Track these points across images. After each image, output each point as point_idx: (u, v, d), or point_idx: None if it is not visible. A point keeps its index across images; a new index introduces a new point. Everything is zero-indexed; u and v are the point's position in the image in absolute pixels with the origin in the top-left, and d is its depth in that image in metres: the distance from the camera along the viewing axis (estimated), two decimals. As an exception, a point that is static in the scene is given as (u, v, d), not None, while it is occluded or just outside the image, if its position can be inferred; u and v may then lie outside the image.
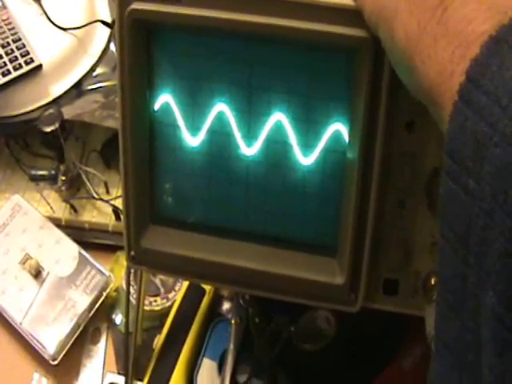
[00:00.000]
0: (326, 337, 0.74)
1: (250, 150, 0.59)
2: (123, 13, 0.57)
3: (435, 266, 0.60)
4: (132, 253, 0.64)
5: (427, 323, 0.56)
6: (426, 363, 0.50)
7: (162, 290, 0.91)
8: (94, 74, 1.12)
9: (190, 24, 0.56)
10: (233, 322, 0.78)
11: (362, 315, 0.62)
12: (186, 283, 0.88)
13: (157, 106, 0.60)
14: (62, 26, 1.11)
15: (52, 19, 1.11)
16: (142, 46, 0.58)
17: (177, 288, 0.90)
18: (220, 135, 0.60)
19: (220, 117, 0.59)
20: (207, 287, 0.86)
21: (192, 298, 0.86)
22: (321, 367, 0.76)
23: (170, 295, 0.90)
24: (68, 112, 1.06)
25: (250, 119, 0.59)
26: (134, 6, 0.56)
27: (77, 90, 1.09)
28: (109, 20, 1.11)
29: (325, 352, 0.74)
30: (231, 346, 0.76)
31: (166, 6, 0.56)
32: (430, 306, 0.58)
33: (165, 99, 0.60)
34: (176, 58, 0.59)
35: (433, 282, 0.60)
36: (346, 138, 0.57)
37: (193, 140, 0.60)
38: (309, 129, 0.58)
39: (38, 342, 0.88)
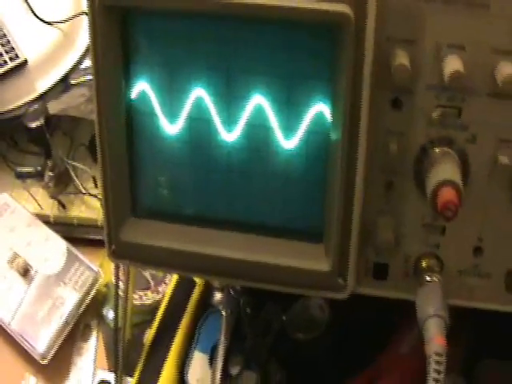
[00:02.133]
0: (320, 325, 0.74)
1: (230, 135, 0.58)
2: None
3: (426, 247, 0.59)
4: (113, 246, 0.63)
5: (418, 306, 0.55)
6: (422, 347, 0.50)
7: (152, 283, 0.90)
8: (81, 67, 1.11)
9: (164, 6, 0.55)
10: (223, 312, 0.77)
11: (354, 302, 0.61)
12: (175, 276, 0.87)
13: (133, 95, 0.59)
14: (47, 19, 1.11)
15: (37, 13, 1.11)
16: (116, 32, 0.57)
17: (167, 281, 0.90)
18: (199, 121, 0.59)
19: (198, 102, 0.58)
20: (198, 279, 0.85)
21: (182, 290, 0.85)
22: (314, 356, 0.75)
23: (161, 288, 0.90)
24: (54, 107, 1.06)
25: (230, 103, 0.58)
26: (106, -10, 0.55)
27: (63, 84, 1.09)
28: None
29: (318, 341, 0.73)
30: (222, 338, 0.75)
31: (139, -11, 0.54)
32: (421, 289, 0.57)
33: (141, 87, 0.59)
34: (151, 44, 0.58)
35: (424, 265, 0.59)
36: (329, 118, 0.56)
37: (171, 128, 0.59)
38: (290, 111, 0.57)
39: (27, 341, 0.87)
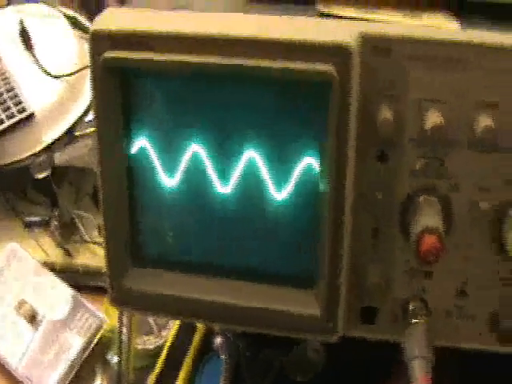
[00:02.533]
0: (316, 367, 0.75)
1: (225, 187, 0.61)
2: (97, 61, 0.58)
3: (412, 291, 0.61)
4: (114, 293, 0.65)
5: (405, 347, 0.57)
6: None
7: (155, 328, 0.92)
8: (86, 119, 1.13)
9: (162, 69, 0.58)
10: (223, 356, 0.79)
11: (349, 343, 0.63)
12: (177, 321, 0.89)
13: (133, 151, 0.62)
14: (53, 73, 1.14)
15: (44, 67, 1.14)
16: (117, 92, 0.60)
17: (170, 326, 0.92)
18: (196, 175, 0.61)
19: (195, 157, 0.60)
20: (198, 324, 0.87)
21: (184, 335, 0.86)
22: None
23: (164, 333, 0.91)
24: (60, 158, 1.08)
25: (224, 158, 0.60)
26: (108, 53, 0.58)
27: (69, 136, 1.11)
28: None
29: (315, 382, 0.75)
30: (222, 381, 0.77)
31: (139, 52, 0.57)
32: (407, 330, 0.59)
33: (141, 143, 0.61)
34: (150, 103, 0.61)
35: (410, 308, 0.61)
36: (318, 171, 0.58)
37: (170, 181, 0.62)
38: (281, 164, 0.59)
39: (34, 386, 0.89)
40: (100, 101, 0.60)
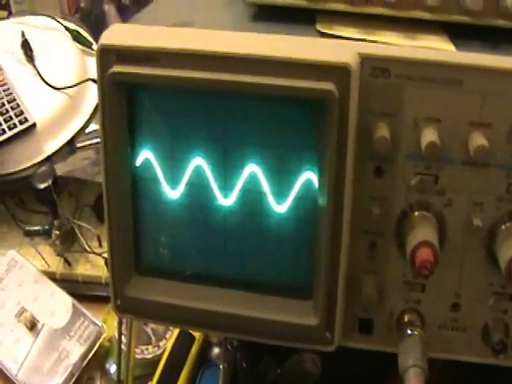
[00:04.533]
0: (312, 378, 0.77)
1: (226, 200, 0.62)
2: (104, 75, 0.60)
3: (408, 303, 0.63)
4: (118, 301, 0.66)
5: (400, 358, 0.58)
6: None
7: (154, 338, 0.93)
8: (87, 131, 1.15)
9: (167, 84, 0.60)
10: (221, 366, 0.80)
11: (344, 354, 0.65)
12: (176, 331, 0.91)
13: (138, 162, 0.63)
14: (55, 85, 1.16)
15: (45, 79, 1.15)
16: (123, 105, 0.61)
17: (168, 336, 0.93)
18: (198, 187, 0.63)
19: (198, 170, 0.62)
20: (197, 334, 0.88)
21: (182, 344, 0.88)
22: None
23: (161, 343, 0.93)
24: (61, 169, 1.09)
25: (226, 171, 0.62)
26: (115, 68, 0.59)
27: (69, 147, 1.13)
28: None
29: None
30: (219, 392, 0.78)
31: (145, 67, 0.59)
32: (402, 342, 0.60)
33: (145, 155, 0.63)
34: (155, 116, 0.63)
35: (406, 320, 0.62)
36: (317, 185, 0.60)
37: (173, 193, 0.63)
38: (281, 178, 0.61)
39: (33, 392, 0.90)
40: (106, 113, 0.61)
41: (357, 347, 0.65)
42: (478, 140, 0.56)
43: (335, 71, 0.55)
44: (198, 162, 0.62)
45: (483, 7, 0.61)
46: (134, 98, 0.62)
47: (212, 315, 0.64)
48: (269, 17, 0.67)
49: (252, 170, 0.61)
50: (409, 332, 0.61)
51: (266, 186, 0.61)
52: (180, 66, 0.58)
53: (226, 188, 0.62)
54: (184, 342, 0.89)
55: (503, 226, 0.59)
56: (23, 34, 1.24)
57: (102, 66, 0.60)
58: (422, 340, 0.60)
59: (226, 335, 0.78)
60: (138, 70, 0.59)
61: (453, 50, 0.62)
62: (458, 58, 0.57)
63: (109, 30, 0.62)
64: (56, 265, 1.06)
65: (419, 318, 0.63)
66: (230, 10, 0.72)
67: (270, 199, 0.61)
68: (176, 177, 0.63)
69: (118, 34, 0.61)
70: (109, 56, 0.60)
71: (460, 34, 0.64)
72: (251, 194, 0.62)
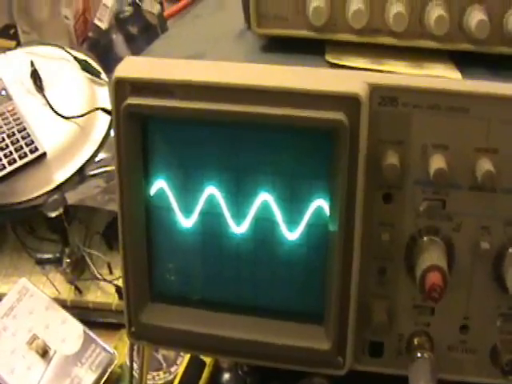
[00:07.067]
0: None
1: (239, 228, 0.63)
2: (119, 106, 0.61)
3: (417, 327, 0.64)
4: (133, 328, 0.67)
5: (410, 381, 0.59)
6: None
7: (164, 364, 0.93)
8: (96, 159, 1.16)
9: (181, 115, 0.61)
10: (232, 392, 0.81)
11: (354, 377, 0.65)
12: (187, 357, 0.91)
13: (152, 192, 0.64)
14: (64, 114, 1.17)
15: (55, 109, 1.17)
16: (137, 136, 0.63)
17: (178, 362, 0.94)
18: (211, 216, 0.64)
19: (211, 199, 0.63)
20: (207, 359, 0.89)
21: (193, 370, 0.88)
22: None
23: (172, 369, 0.93)
24: (71, 197, 1.10)
25: (239, 200, 0.63)
26: (130, 100, 0.60)
27: (80, 175, 1.14)
28: (109, 107, 1.15)
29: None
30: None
31: (159, 99, 0.60)
32: (412, 364, 0.61)
33: (159, 185, 0.64)
34: (169, 147, 0.64)
35: (415, 343, 0.63)
36: (328, 212, 0.61)
37: (186, 221, 0.64)
38: (293, 206, 0.62)
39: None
40: (121, 144, 0.62)
41: (367, 370, 0.65)
42: (485, 165, 0.57)
43: (345, 101, 0.57)
44: (211, 191, 0.63)
45: (488, 35, 0.62)
46: (147, 128, 0.63)
47: (226, 341, 0.64)
48: (279, 48, 0.69)
49: (264, 198, 0.62)
50: (418, 355, 0.62)
51: (278, 213, 0.62)
52: (194, 98, 0.59)
53: (238, 216, 0.63)
54: (195, 367, 0.89)
55: (510, 250, 0.60)
56: (32, 64, 1.25)
57: (117, 97, 0.61)
58: (432, 362, 0.61)
59: (240, 360, 0.78)
60: (153, 102, 0.60)
61: (459, 78, 0.63)
62: (465, 87, 0.58)
63: (123, 63, 0.63)
64: (67, 292, 1.07)
65: (428, 341, 0.63)
66: (240, 40, 0.74)
67: (282, 227, 0.63)
68: (189, 205, 0.64)
69: (132, 66, 0.63)
70: (123, 88, 0.61)
71: (466, 61, 0.65)
72: (263, 222, 0.63)
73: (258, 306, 0.66)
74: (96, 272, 1.06)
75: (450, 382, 0.64)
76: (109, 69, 1.23)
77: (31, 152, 1.13)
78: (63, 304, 1.04)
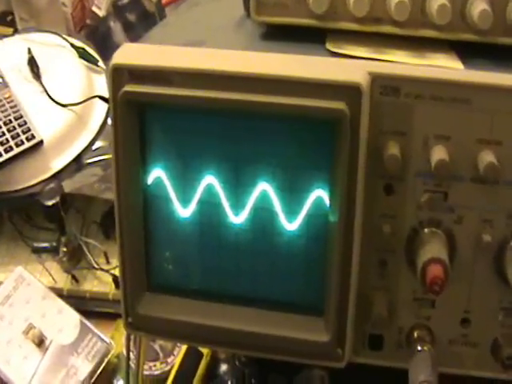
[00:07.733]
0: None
1: (237, 218, 0.63)
2: (117, 94, 0.60)
3: (418, 320, 0.63)
4: (129, 319, 0.66)
5: (410, 374, 0.59)
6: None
7: (161, 354, 0.93)
8: (94, 147, 1.15)
9: (179, 103, 0.60)
10: (229, 383, 0.80)
11: (354, 370, 0.65)
12: (184, 347, 0.91)
13: (149, 181, 0.64)
14: (61, 102, 1.16)
15: (52, 96, 1.16)
16: (135, 124, 0.62)
17: (175, 352, 0.93)
18: (209, 206, 0.63)
19: (209, 189, 0.62)
20: (205, 350, 0.89)
21: (190, 361, 0.88)
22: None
23: (169, 359, 0.93)
24: (68, 185, 1.10)
25: (237, 190, 0.62)
26: (127, 87, 0.60)
27: (77, 164, 1.13)
28: (107, 95, 1.14)
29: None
30: (228, 408, 0.79)
31: (157, 87, 0.59)
32: (413, 358, 0.61)
33: (157, 174, 0.63)
34: (167, 135, 0.63)
35: (416, 336, 0.63)
36: (328, 203, 0.60)
37: (184, 211, 0.64)
38: (292, 197, 0.61)
39: (41, 409, 0.90)
40: (118, 132, 0.62)
41: (367, 363, 0.65)
42: (488, 157, 0.57)
43: (346, 90, 0.56)
44: (210, 181, 0.62)
45: (491, 25, 0.62)
46: (145, 116, 0.62)
47: (225, 332, 0.64)
48: (279, 36, 0.68)
49: (263, 188, 0.61)
50: (419, 348, 0.62)
51: (277, 204, 0.62)
52: (192, 86, 0.59)
53: (237, 206, 0.63)
54: (192, 357, 0.89)
55: (513, 243, 0.59)
56: (29, 51, 1.25)
57: (115, 85, 0.61)
58: (432, 356, 0.61)
59: (238, 352, 0.78)
60: (150, 90, 0.60)
61: (461, 69, 0.62)
62: (467, 77, 0.57)
63: (121, 50, 0.62)
64: (63, 281, 1.06)
65: (429, 334, 0.63)
66: (240, 28, 0.73)
67: (281, 217, 0.62)
68: (187, 195, 0.63)
69: (130, 53, 0.62)
70: (121, 75, 0.60)
71: (468, 51, 0.64)
72: (262, 212, 0.62)
73: (257, 297, 0.65)
74: (93, 261, 1.06)
75: (450, 376, 0.63)
76: (106, 56, 1.23)
77: (28, 140, 1.13)
78: (60, 293, 1.03)
